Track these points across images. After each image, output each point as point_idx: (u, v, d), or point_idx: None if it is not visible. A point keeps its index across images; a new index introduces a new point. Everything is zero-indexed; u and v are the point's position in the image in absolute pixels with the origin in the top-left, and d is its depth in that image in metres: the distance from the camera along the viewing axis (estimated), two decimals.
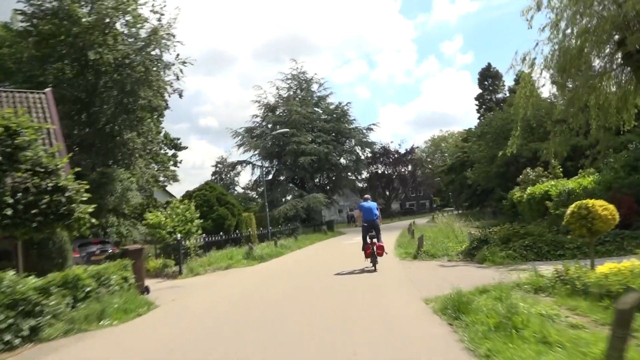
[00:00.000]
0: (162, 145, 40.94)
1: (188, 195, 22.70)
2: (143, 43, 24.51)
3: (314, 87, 42.44)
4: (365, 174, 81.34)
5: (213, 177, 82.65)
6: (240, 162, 40.30)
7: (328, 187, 42.77)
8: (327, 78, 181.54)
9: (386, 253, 13.64)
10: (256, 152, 38.94)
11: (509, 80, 62.03)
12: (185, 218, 19.43)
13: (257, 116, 40.37)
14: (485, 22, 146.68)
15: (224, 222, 21.77)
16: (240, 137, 38.68)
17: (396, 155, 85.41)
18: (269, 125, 40.13)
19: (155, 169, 34.37)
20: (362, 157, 42.51)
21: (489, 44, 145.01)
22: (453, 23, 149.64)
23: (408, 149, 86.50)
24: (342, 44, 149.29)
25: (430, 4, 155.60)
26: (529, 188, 24.35)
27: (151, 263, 18.24)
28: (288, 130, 33.48)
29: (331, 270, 13.35)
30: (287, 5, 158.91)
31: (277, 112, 39.60)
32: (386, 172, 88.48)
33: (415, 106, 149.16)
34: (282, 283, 11.63)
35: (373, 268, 12.44)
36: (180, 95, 29.13)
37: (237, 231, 22.82)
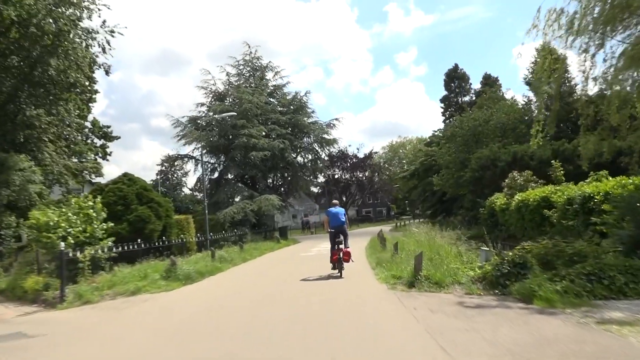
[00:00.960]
0: (90, 134, 34.97)
1: (99, 190, 17.24)
2: None
3: (269, 75, 37.55)
4: (321, 178, 77.22)
5: (159, 177, 76.39)
6: (182, 157, 34.74)
7: (282, 189, 37.87)
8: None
9: (352, 261, 13.25)
10: (199, 146, 33.59)
11: (475, 83, 59.56)
12: (89, 218, 14.14)
13: (202, 105, 35.04)
14: (438, 35, 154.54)
15: (144, 226, 16.49)
16: (182, 126, 33.22)
17: (354, 160, 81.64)
18: (216, 116, 34.81)
19: (75, 159, 28.50)
20: (322, 156, 37.85)
21: (442, 57, 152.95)
22: (408, 35, 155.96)
23: (367, 154, 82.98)
24: (300, 50, 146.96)
25: (385, 16, 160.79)
26: (517, 194, 20.46)
27: (29, 281, 12.83)
28: (235, 113, 28.41)
29: (287, 301, 8.61)
30: (245, 8, 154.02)
31: (227, 102, 34.41)
32: (343, 177, 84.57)
33: (369, 115, 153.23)
34: (198, 339, 6.72)
35: (339, 274, 12.32)
36: (107, 72, 23.81)
37: (163, 238, 17.56)
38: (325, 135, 35.87)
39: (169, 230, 18.71)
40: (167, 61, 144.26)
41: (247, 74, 36.41)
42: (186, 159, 34.86)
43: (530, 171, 24.52)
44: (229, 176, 34.82)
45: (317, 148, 36.55)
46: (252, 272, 15.52)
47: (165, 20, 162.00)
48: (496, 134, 40.21)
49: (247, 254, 20.43)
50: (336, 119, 36.24)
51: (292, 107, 36.14)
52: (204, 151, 34.75)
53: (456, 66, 59.19)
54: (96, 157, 34.72)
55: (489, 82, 53.83)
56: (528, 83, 42.17)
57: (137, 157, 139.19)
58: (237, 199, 31.95)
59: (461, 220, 37.98)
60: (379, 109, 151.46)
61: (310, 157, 37.17)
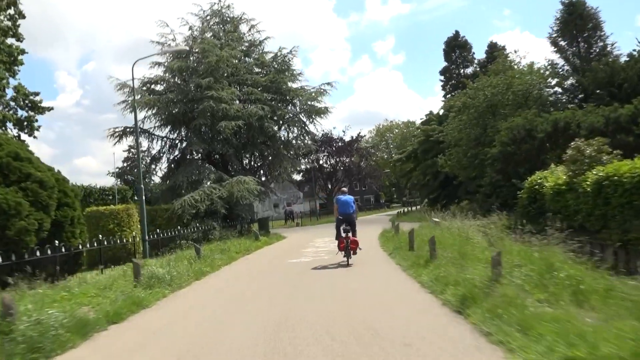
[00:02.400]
0: (9, 102, 26.87)
1: None
2: None
3: (244, 28, 29.69)
4: (308, 160, 69.96)
5: (125, 164, 67.82)
6: (131, 130, 26.71)
7: (262, 171, 30.28)
8: None
9: (360, 249, 12.91)
10: (151, 112, 25.73)
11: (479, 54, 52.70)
12: None
13: (158, 64, 27.09)
14: (416, 24, 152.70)
15: (7, 223, 8.97)
16: (129, 89, 25.32)
17: (340, 144, 74.30)
18: (176, 78, 26.97)
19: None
20: (311, 131, 30.22)
21: (419, 46, 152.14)
22: (385, 24, 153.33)
23: (353, 137, 75.70)
24: (278, 39, 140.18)
25: (362, 4, 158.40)
26: (597, 169, 13.52)
27: None
28: (187, 48, 20.80)
29: None
30: (222, 1, 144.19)
31: (190, 60, 26.58)
32: (329, 162, 77.25)
33: (349, 104, 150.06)
34: None
35: (346, 262, 12.07)
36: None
37: (56, 242, 10.03)
38: (315, 103, 28.25)
39: (73, 228, 11.15)
40: (142, 50, 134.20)
41: (216, 28, 28.55)
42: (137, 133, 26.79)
43: (602, 138, 17.56)
44: (194, 156, 27.10)
45: (304, 119, 28.96)
46: (188, 330, 8.06)
47: (139, 8, 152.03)
48: (517, 103, 33.44)
49: (206, 263, 12.88)
50: (328, 84, 28.69)
51: (273, 68, 28.44)
52: (160, 123, 26.98)
53: (457, 34, 51.98)
54: (17, 130, 26.71)
55: (495, 51, 46.89)
56: (554, 42, 35.28)
57: (116, 148, 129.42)
58: (208, 184, 24.34)
59: (475, 207, 31.06)
60: (358, 98, 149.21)
61: (296, 131, 29.58)
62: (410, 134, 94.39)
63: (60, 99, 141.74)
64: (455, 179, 41.35)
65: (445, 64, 52.20)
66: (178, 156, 27.90)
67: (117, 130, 25.69)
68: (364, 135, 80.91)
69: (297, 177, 78.79)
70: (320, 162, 76.39)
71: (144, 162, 42.39)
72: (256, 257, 16.54)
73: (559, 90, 33.23)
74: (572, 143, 17.46)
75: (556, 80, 33.73)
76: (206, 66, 24.85)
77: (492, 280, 6.61)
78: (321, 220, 46.57)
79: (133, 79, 18.82)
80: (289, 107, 28.57)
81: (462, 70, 51.42)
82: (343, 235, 12.38)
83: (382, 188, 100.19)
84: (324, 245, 18.89)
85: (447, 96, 50.52)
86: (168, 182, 26.79)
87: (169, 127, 27.42)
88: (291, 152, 30.19)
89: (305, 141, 30.96)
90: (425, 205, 51.24)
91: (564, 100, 33.88)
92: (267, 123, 25.90)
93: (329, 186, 77.60)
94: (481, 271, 7.67)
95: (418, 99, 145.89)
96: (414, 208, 55.67)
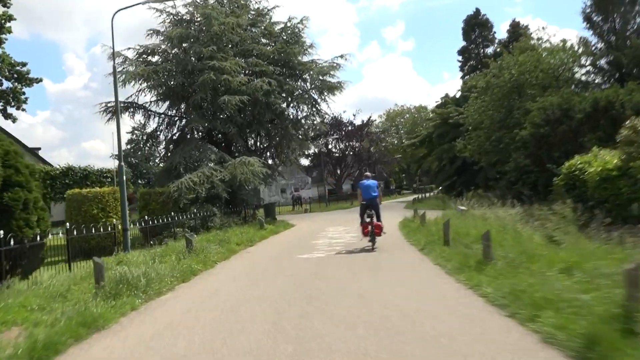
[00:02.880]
0: None
1: None
2: None
3: None
4: (312, 147, 67.40)
5: (129, 147, 65.52)
6: (127, 105, 24.25)
7: (268, 153, 27.83)
8: None
9: (385, 232, 12.88)
10: (146, 86, 23.23)
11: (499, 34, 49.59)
12: None
13: (155, 32, 24.51)
14: (426, 10, 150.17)
15: None
16: (122, 59, 22.86)
17: (350, 128, 71.41)
18: (175, 49, 24.42)
19: None
20: (322, 111, 27.56)
21: (429, 32, 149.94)
22: (395, 9, 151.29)
23: (364, 121, 72.73)
24: (287, 8, 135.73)
25: None
26: None
27: None
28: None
29: None
30: None
31: (191, 29, 24.00)
32: (338, 147, 74.51)
33: (357, 90, 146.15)
34: None
35: (371, 247, 12.01)
36: None
37: (1, 230, 7.71)
38: (327, 78, 25.60)
39: (27, 215, 8.80)
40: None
41: None
42: (131, 108, 24.37)
43: None
44: (195, 134, 24.65)
45: (315, 96, 26.34)
46: None
47: None
48: (547, 83, 30.75)
49: (198, 259, 10.49)
50: (341, 56, 26.02)
51: (282, 39, 25.77)
52: (157, 98, 24.56)
53: (477, 11, 48.81)
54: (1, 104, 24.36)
55: (519, 29, 43.83)
56: (588, 18, 32.29)
57: (117, 128, 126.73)
58: (210, 165, 21.93)
59: (497, 194, 28.50)
60: (367, 84, 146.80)
61: (306, 109, 26.97)
62: (422, 119, 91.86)
63: (68, 81, 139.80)
64: (474, 164, 38.82)
65: (463, 43, 49.21)
66: (177, 135, 25.49)
67: (109, 105, 23.19)
68: (375, 120, 77.98)
69: (306, 161, 76.35)
70: (330, 146, 73.80)
71: (141, 142, 39.86)
72: (260, 250, 14.15)
73: (592, 69, 30.37)
74: (626, 122, 15.00)
75: (590, 58, 30.84)
76: (209, 34, 22.27)
77: (625, 308, 4.15)
78: (330, 206, 44.08)
79: (113, 31, 16.17)
80: (299, 83, 25.92)
81: (482, 50, 48.39)
82: (367, 220, 12.29)
83: (392, 174, 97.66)
84: (338, 236, 16.50)
85: (466, 77, 47.60)
86: (163, 164, 24.40)
87: (167, 102, 24.94)
88: (300, 133, 27.63)
89: (316, 121, 28.39)
90: (440, 192, 48.66)
91: (598, 80, 31.09)
92: (275, 99, 23.34)
93: (338, 172, 75.11)
94: (579, 285, 5.25)
95: (427, 85, 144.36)
96: (427, 195, 53.07)
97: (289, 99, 25.82)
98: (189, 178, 19.25)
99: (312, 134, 28.21)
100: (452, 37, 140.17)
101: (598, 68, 31.16)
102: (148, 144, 26.21)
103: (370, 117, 74.37)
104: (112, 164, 38.48)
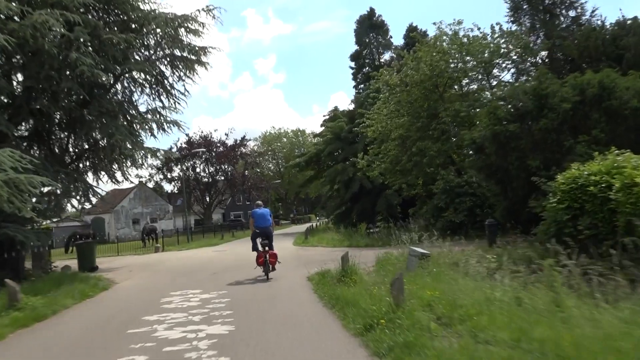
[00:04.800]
0: None
1: None
2: None
3: None
4: (176, 170, 55.83)
5: None
6: None
7: (88, 163, 16.84)
8: None
9: (279, 262, 12.31)
10: None
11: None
12: None
13: None
14: (297, 46, 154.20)
15: None
16: None
17: (222, 149, 61.20)
18: None
19: None
20: (176, 94, 17.35)
21: (300, 67, 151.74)
22: (267, 43, 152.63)
23: (237, 141, 63.07)
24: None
25: (244, 21, 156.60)
26: None
27: None
28: None
29: None
30: None
31: None
32: (207, 170, 63.67)
33: (228, 120, 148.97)
34: None
35: (266, 277, 11.59)
36: None
37: None
38: (183, 38, 15.73)
39: None
40: None
41: None
42: None
43: None
44: None
45: (163, 68, 16.25)
46: None
47: None
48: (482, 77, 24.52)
49: None
50: (207, 10, 16.33)
51: None
52: None
53: (372, 12, 42.75)
54: None
55: (415, 35, 38.19)
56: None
57: None
58: None
59: (422, 225, 20.80)
60: (238, 114, 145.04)
61: (148, 89, 16.65)
62: (300, 143, 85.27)
63: None
64: (375, 188, 31.43)
65: (356, 47, 42.39)
66: None
67: None
68: (249, 140, 68.75)
69: (169, 186, 63.67)
70: (197, 169, 62.79)
71: None
72: None
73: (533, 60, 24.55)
74: None
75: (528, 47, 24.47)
76: None
77: None
78: (193, 242, 32.88)
79: None
80: (135, 42, 15.62)
81: (377, 57, 42.01)
82: (261, 249, 11.95)
83: (268, 203, 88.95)
84: (182, 322, 6.64)
85: (360, 86, 40.67)
86: None
87: None
88: (146, 128, 17.05)
89: (169, 117, 17.83)
90: (332, 222, 40.54)
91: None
92: (84, 57, 12.83)
93: (207, 199, 64.17)
94: None
95: (298, 117, 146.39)
96: (315, 224, 44.69)
97: (117, 69, 15.32)
98: None
99: (161, 128, 17.36)
100: (320, 73, 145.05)
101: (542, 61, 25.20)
102: None
103: (244, 136, 65.01)
104: None
